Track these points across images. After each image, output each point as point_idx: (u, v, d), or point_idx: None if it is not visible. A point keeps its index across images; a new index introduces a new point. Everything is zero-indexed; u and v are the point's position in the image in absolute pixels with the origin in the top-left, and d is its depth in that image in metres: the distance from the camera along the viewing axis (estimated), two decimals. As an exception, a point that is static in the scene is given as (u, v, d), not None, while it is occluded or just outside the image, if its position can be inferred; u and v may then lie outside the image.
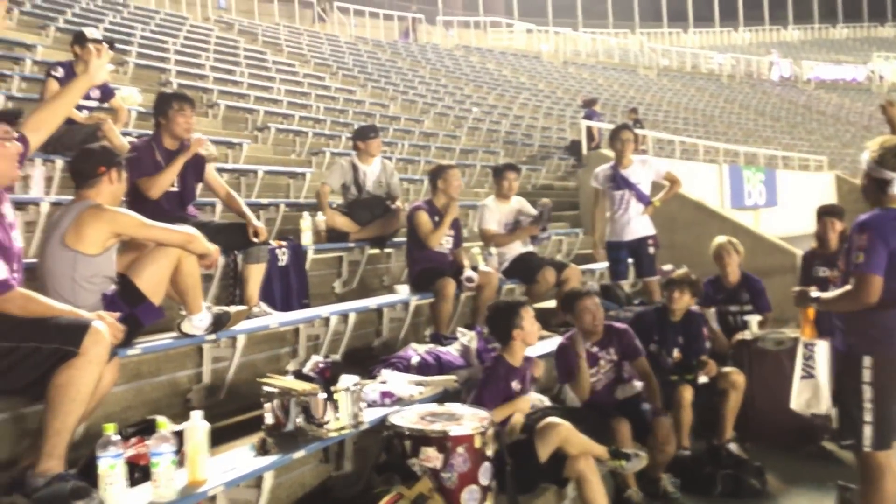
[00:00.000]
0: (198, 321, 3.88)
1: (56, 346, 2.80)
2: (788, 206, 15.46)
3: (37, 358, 2.82)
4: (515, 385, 4.32)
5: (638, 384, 5.01)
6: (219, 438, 3.65)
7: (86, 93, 6.05)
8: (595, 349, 4.99)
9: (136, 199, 4.59)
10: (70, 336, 2.82)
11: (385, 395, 4.11)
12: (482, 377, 4.37)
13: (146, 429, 3.26)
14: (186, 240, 3.59)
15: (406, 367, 4.71)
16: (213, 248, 3.72)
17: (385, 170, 6.70)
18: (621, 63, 33.33)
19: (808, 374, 3.87)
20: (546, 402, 4.78)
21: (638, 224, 6.85)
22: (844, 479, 4.36)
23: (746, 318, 5.97)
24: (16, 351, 2.83)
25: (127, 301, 3.48)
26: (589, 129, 13.84)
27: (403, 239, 6.48)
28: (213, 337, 4.02)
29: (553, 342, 5.58)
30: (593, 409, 4.79)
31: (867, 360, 3.59)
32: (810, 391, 3.88)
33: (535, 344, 4.49)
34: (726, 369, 5.46)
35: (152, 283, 3.54)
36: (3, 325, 2.84)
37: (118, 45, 10.89)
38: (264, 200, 7.01)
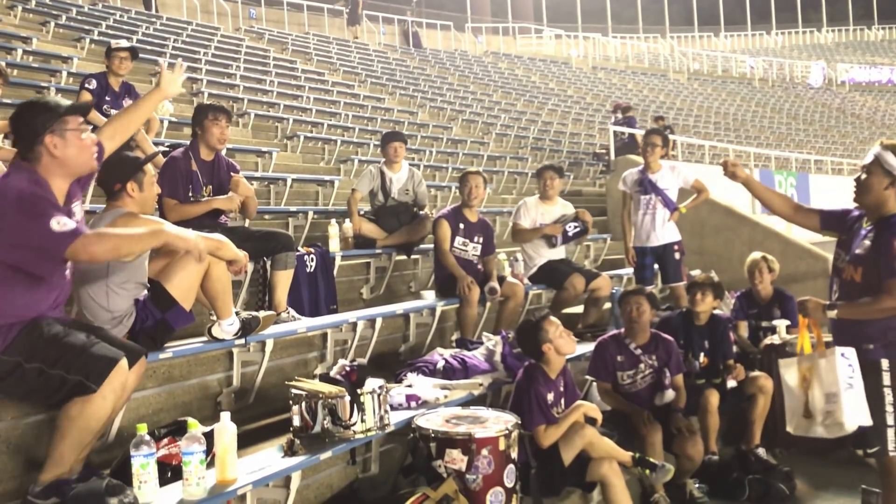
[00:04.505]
0: (227, 326, 3.95)
1: (79, 380, 2.84)
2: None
3: (58, 384, 2.86)
4: (551, 396, 4.32)
5: (672, 393, 5.03)
6: (248, 440, 3.74)
7: (118, 103, 6.27)
8: (638, 351, 5.04)
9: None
10: (95, 372, 2.85)
11: (411, 398, 4.15)
12: (516, 385, 4.38)
13: (177, 429, 3.35)
14: (215, 246, 3.67)
15: (432, 372, 4.75)
16: (241, 255, 3.80)
17: (413, 177, 6.75)
18: (651, 68, 33.16)
19: (849, 385, 3.72)
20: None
21: (663, 230, 6.83)
22: (874, 484, 4.31)
23: (775, 322, 5.94)
24: (41, 375, 2.86)
25: (158, 306, 3.56)
26: (632, 136, 13.79)
27: (430, 245, 6.54)
28: (241, 341, 4.10)
29: (580, 347, 5.61)
30: (622, 414, 4.81)
31: (885, 364, 3.56)
32: (857, 402, 3.72)
33: (571, 352, 4.41)
34: (754, 374, 5.43)
35: (183, 288, 3.62)
36: (35, 342, 2.88)
37: (151, 56, 11.12)
38: (293, 208, 7.12)
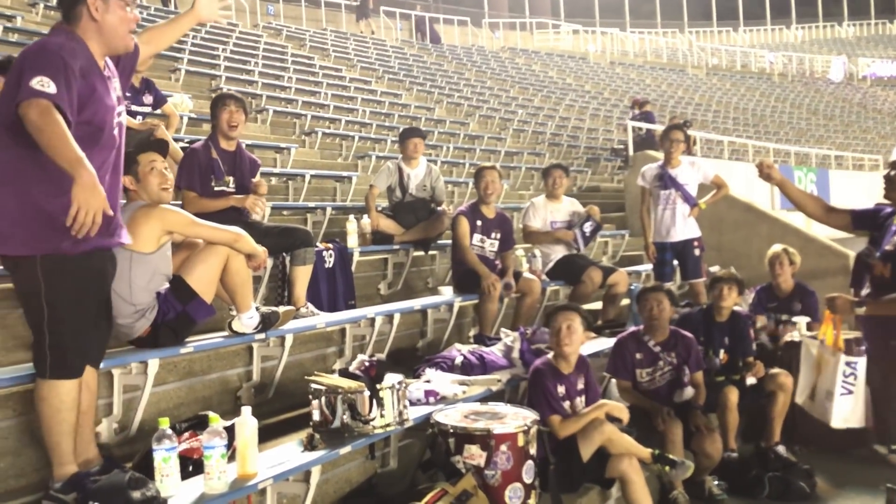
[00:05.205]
0: (247, 319, 3.97)
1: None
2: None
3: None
4: (562, 389, 4.32)
5: (691, 390, 5.01)
6: (267, 435, 3.76)
7: (139, 99, 6.30)
8: (657, 349, 5.03)
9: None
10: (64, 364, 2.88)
11: (429, 393, 4.17)
12: (528, 380, 4.39)
13: (198, 424, 3.38)
14: (233, 238, 3.70)
15: (450, 367, 4.76)
16: (260, 250, 3.82)
17: (430, 173, 6.76)
18: (669, 63, 32.94)
19: (848, 391, 3.83)
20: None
21: (683, 225, 6.80)
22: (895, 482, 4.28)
23: (795, 318, 5.90)
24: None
25: (179, 298, 3.60)
26: (649, 132, 13.71)
27: (447, 241, 6.55)
28: (261, 336, 4.12)
29: (599, 343, 5.61)
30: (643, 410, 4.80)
31: None
32: (850, 407, 3.84)
33: (569, 352, 4.39)
34: (774, 371, 5.40)
35: (203, 281, 3.65)
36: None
37: (170, 53, 11.19)
38: (311, 204, 7.14)
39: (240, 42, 15.73)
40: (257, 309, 4.04)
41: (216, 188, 4.89)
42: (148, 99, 6.34)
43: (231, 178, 4.96)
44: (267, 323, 4.05)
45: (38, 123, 2.62)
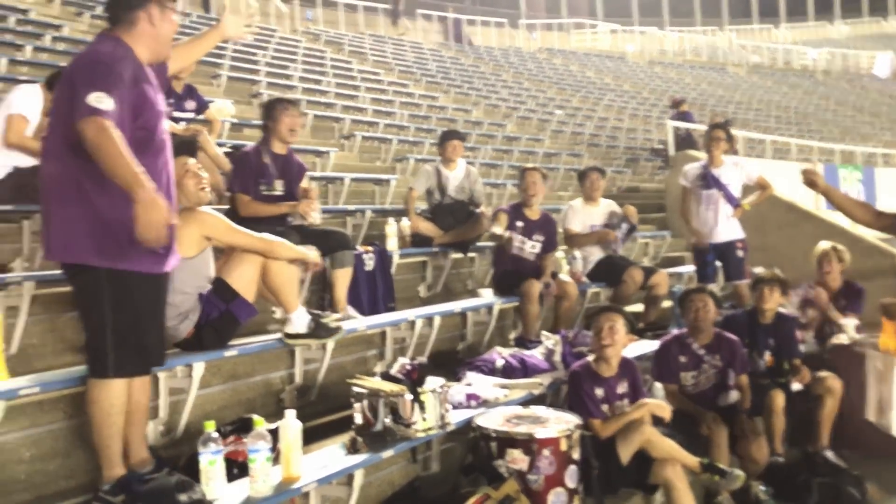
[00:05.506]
0: (297, 319, 3.94)
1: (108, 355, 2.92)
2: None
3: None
4: (601, 392, 4.29)
5: (736, 393, 4.94)
6: (310, 437, 3.76)
7: (182, 105, 6.39)
8: (702, 351, 4.97)
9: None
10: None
11: (470, 396, 4.16)
12: (568, 383, 4.36)
13: (243, 427, 3.41)
14: (268, 248, 3.73)
15: (491, 370, 4.75)
16: (306, 253, 3.83)
17: (469, 175, 6.76)
18: (709, 61, 32.51)
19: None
20: None
21: (726, 226, 6.70)
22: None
23: (842, 321, 5.77)
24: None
25: (222, 298, 3.65)
26: (689, 131, 13.54)
27: (486, 244, 6.53)
28: (315, 341, 4.11)
29: (641, 346, 5.54)
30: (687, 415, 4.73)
31: None
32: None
33: (614, 353, 4.37)
34: (822, 374, 5.29)
35: (243, 280, 3.70)
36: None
37: (211, 59, 11.34)
38: (351, 207, 7.18)
39: (279, 48, 15.88)
40: (310, 313, 4.03)
41: (265, 192, 4.95)
42: (190, 105, 6.45)
43: (280, 182, 5.02)
44: (326, 330, 4.04)
45: (96, 142, 2.68)
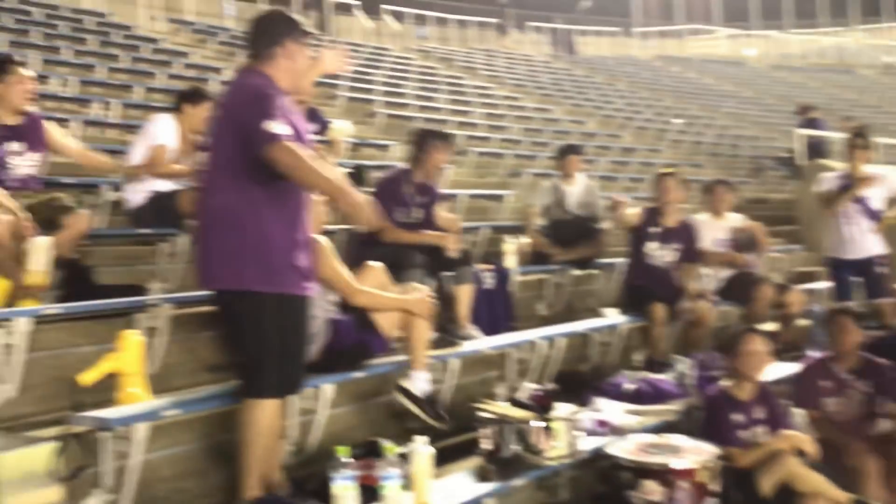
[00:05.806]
0: (417, 380, 3.89)
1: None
2: None
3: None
4: (738, 418, 4.07)
5: (890, 423, 4.58)
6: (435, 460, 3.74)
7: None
8: (847, 376, 4.67)
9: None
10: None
11: (601, 423, 4.03)
12: (704, 409, 4.16)
13: (371, 450, 3.40)
14: (400, 306, 3.81)
15: (619, 395, 4.60)
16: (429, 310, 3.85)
17: (588, 190, 6.63)
18: (837, 63, 30.94)
19: None
20: None
21: (865, 241, 6.31)
22: None
23: None
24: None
25: (359, 328, 3.71)
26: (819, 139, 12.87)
27: (609, 260, 6.35)
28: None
29: (778, 369, 5.23)
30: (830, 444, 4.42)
31: None
32: None
33: (754, 378, 4.18)
34: None
35: (386, 320, 3.77)
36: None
37: (328, 80, 11.61)
38: (468, 224, 7.14)
39: (394, 66, 16.14)
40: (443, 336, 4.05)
41: (400, 220, 4.97)
42: (313, 126, 6.57)
43: (419, 210, 5.06)
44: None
45: (291, 164, 2.84)
